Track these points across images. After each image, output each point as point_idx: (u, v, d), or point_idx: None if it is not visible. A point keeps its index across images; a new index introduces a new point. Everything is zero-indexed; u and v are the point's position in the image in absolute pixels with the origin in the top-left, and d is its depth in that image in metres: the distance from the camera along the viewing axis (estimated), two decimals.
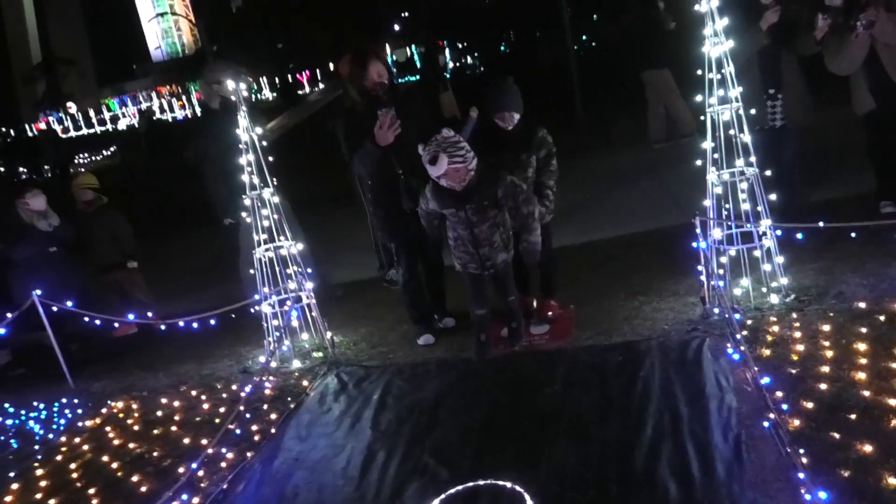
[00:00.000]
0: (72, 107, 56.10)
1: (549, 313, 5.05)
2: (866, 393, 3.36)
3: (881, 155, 5.67)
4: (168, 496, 3.72)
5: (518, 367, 4.50)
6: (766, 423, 3.24)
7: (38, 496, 4.18)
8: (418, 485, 3.43)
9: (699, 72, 4.51)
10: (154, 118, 36.54)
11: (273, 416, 4.51)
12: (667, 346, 4.27)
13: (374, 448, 3.86)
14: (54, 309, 5.77)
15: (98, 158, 33.25)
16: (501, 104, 4.57)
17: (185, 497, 3.75)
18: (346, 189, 7.24)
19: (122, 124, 50.50)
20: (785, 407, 3.36)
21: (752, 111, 5.10)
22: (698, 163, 4.73)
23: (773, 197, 4.65)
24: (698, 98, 4.61)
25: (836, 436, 3.09)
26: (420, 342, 5.15)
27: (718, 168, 4.61)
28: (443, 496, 3.29)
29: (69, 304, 5.84)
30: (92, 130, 50.98)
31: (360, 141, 4.66)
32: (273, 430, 4.31)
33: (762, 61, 5.43)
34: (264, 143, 5.28)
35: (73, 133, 50.55)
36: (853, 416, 3.20)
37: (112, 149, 33.94)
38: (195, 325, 5.53)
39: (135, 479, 4.12)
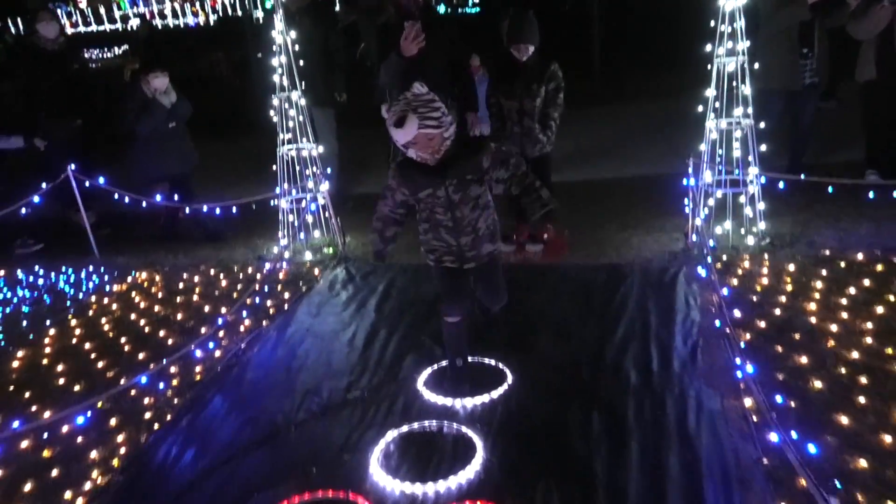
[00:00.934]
0: (81, 1, 55.09)
1: (545, 235, 5.49)
2: (812, 319, 3.84)
3: (872, 125, 6.05)
4: (192, 348, 4.21)
5: (512, 275, 4.95)
6: (721, 337, 3.71)
7: (74, 341, 4.69)
8: (415, 357, 3.94)
9: (711, 22, 4.84)
10: (154, 24, 35.95)
11: (286, 296, 5.00)
12: (647, 270, 4.75)
13: (378, 327, 4.36)
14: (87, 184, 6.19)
15: (109, 56, 33.00)
16: (518, 36, 4.91)
17: (208, 348, 4.25)
18: (371, 111, 7.56)
19: (131, 24, 49.68)
20: (739, 320, 3.84)
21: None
22: (700, 108, 5.09)
23: (762, 148, 5.03)
24: (707, 48, 4.94)
25: (779, 349, 3.58)
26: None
27: (717, 116, 4.98)
28: (435, 366, 3.79)
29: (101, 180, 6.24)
30: (102, 28, 50.27)
31: (388, 52, 5.04)
32: (286, 307, 4.81)
33: (800, 27, 5.76)
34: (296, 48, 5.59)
35: (81, 28, 49.83)
36: (797, 336, 3.69)
37: (125, 47, 33.65)
38: (218, 210, 5.97)
39: (161, 334, 4.63)
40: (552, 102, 4.99)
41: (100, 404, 3.73)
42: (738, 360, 3.28)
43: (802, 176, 4.84)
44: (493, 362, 3.77)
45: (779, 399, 3.12)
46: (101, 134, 7.87)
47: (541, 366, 3.70)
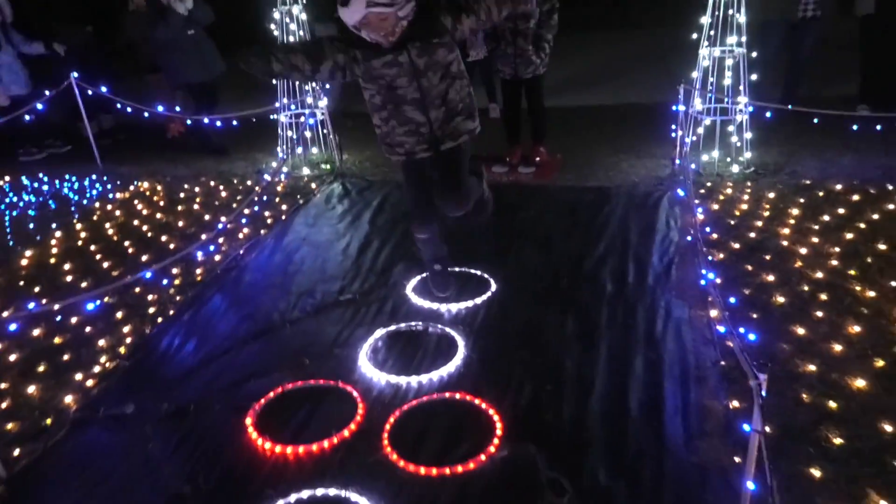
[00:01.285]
0: None
1: (537, 158, 5.63)
2: (784, 242, 4.03)
3: (868, 59, 6.09)
4: (193, 251, 4.41)
5: (500, 194, 5.12)
6: (694, 254, 3.91)
7: (80, 243, 4.89)
8: (405, 265, 4.15)
9: None
10: None
11: (284, 207, 5.18)
12: (632, 193, 4.92)
13: (371, 237, 4.56)
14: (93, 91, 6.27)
15: None
16: None
17: (208, 251, 4.46)
18: None
19: None
20: (714, 240, 4.03)
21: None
22: (694, 36, 5.15)
23: (754, 77, 5.12)
24: None
25: (749, 267, 3.79)
26: None
27: (711, 44, 5.05)
28: (424, 274, 4.00)
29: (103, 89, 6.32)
30: None
31: None
32: (283, 217, 5.00)
33: None
34: None
35: None
36: (767, 257, 3.89)
37: None
38: (219, 123, 6.08)
39: (163, 238, 4.83)
40: (546, 23, 5.04)
41: (107, 298, 3.95)
42: (704, 271, 3.47)
43: (789, 106, 4.95)
44: (479, 272, 3.97)
45: (733, 300, 3.33)
46: (116, 41, 7.87)
47: (523, 275, 3.92)
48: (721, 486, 2.38)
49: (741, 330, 3.02)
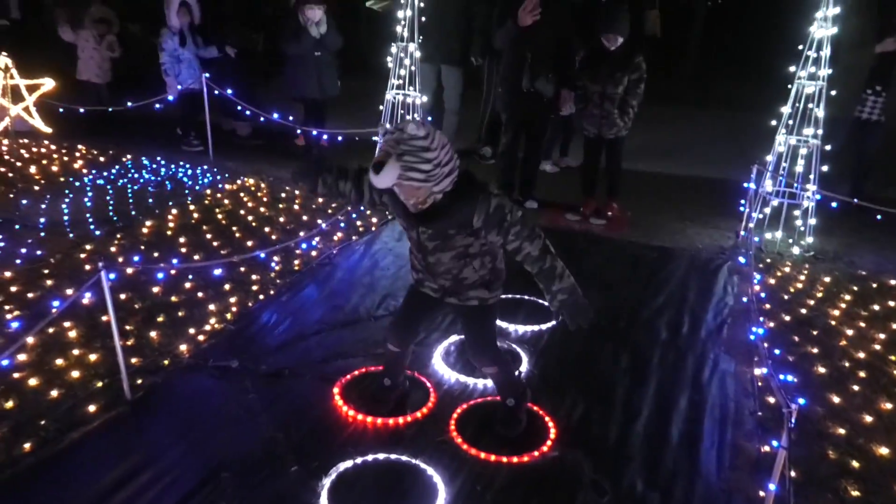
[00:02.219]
0: None
1: (609, 213, 6.04)
2: (832, 322, 4.33)
3: None
4: (294, 243, 4.95)
5: (572, 239, 5.57)
6: (747, 320, 4.24)
7: (193, 221, 5.49)
8: None
9: (799, 46, 5.27)
10: None
11: (374, 220, 5.70)
12: (695, 257, 5.28)
13: None
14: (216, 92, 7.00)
15: None
16: (609, 27, 5.43)
17: (305, 247, 4.99)
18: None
19: None
20: (767, 310, 4.36)
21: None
22: (773, 122, 5.54)
23: (824, 168, 5.46)
24: (791, 69, 5.37)
25: (796, 338, 4.10)
26: None
27: (788, 132, 5.43)
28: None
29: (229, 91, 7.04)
30: None
31: (506, 18, 5.61)
32: (373, 228, 5.52)
33: (879, 62, 6.10)
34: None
35: None
36: (814, 332, 4.19)
37: None
38: (325, 136, 6.72)
39: (266, 229, 5.41)
40: (633, 91, 5.50)
41: (218, 271, 4.50)
42: (754, 328, 3.80)
43: (855, 200, 5.27)
44: (545, 302, 4.37)
45: (791, 378, 3.66)
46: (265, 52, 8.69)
47: None
48: None
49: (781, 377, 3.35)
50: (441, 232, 2.61)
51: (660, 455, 3.03)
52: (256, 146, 7.93)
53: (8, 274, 4.37)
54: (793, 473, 2.89)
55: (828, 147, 5.46)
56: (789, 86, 5.43)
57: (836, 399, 3.50)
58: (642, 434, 3.17)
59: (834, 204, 5.50)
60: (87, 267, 4.53)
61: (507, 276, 2.97)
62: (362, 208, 3.14)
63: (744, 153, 7.42)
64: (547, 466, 2.94)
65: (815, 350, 3.97)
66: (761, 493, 2.75)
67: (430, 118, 6.87)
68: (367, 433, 3.11)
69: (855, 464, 3.02)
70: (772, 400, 3.39)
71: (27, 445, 2.91)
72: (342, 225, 5.52)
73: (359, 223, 5.63)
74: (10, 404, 3.16)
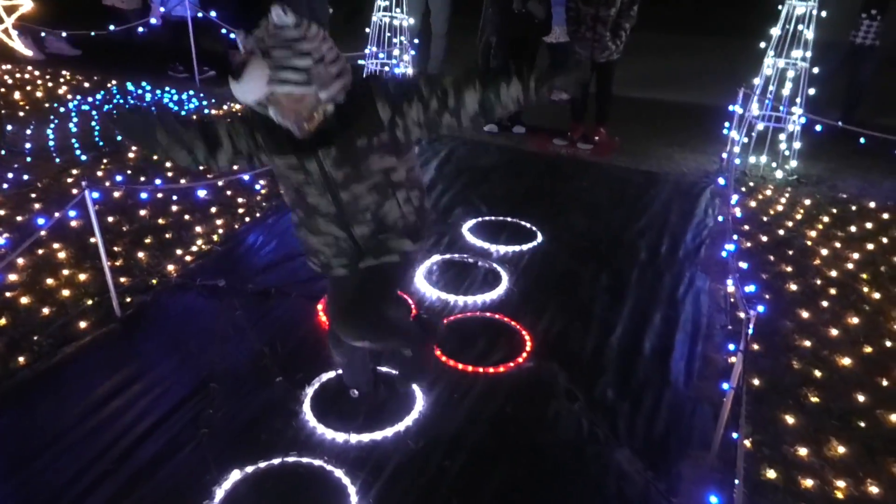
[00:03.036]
0: None
1: (596, 137, 6.05)
2: (808, 243, 4.42)
3: None
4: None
5: (558, 164, 5.60)
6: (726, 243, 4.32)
7: None
8: (465, 209, 4.65)
9: None
10: None
11: None
12: (679, 181, 5.33)
13: (436, 181, 5.07)
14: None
15: None
16: None
17: None
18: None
19: None
20: (745, 231, 4.44)
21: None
22: (762, 45, 5.50)
23: (811, 92, 5.44)
24: None
25: (771, 257, 4.20)
26: (486, 129, 6.24)
27: (776, 55, 5.39)
28: (479, 219, 4.49)
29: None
30: None
31: None
32: None
33: None
34: None
35: None
36: (790, 252, 4.29)
37: None
38: None
39: None
40: (626, 14, 5.43)
41: (202, 193, 4.53)
42: (729, 246, 3.86)
43: (839, 123, 5.28)
44: (528, 224, 4.45)
45: (752, 288, 3.76)
46: None
47: (568, 233, 4.39)
48: (708, 415, 2.85)
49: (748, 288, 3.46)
50: (348, 149, 1.95)
51: (632, 367, 3.15)
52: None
53: None
54: (756, 382, 3.04)
55: (815, 70, 5.43)
56: (779, 7, 5.36)
57: (805, 314, 3.62)
58: (616, 348, 3.29)
59: (818, 128, 5.51)
60: (74, 191, 4.55)
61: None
62: (222, 167, 2.22)
63: (737, 79, 7.36)
64: (523, 377, 3.06)
65: (790, 269, 4.07)
66: (725, 401, 2.89)
67: (416, 41, 6.77)
68: None
69: (818, 373, 3.15)
70: (742, 316, 3.50)
71: (22, 359, 3.02)
72: None
73: None
74: (3, 321, 3.25)
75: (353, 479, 2.44)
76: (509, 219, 4.50)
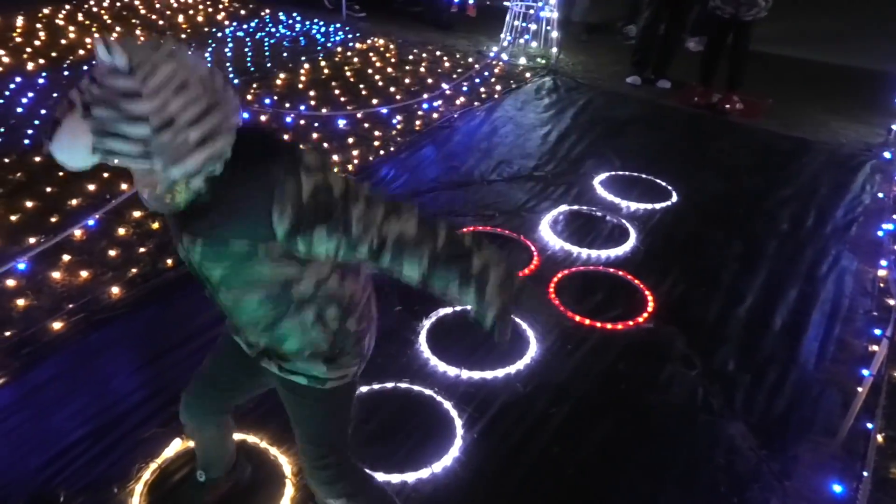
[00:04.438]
0: None
1: (727, 106, 5.55)
2: None
3: None
4: (417, 102, 5.02)
5: (700, 122, 5.31)
6: (883, 223, 3.97)
7: (323, 77, 5.68)
8: (596, 161, 4.52)
9: None
10: None
11: (497, 88, 5.66)
12: (835, 152, 4.92)
13: (570, 131, 4.96)
14: None
15: None
16: None
17: (426, 108, 5.06)
18: None
19: None
20: None
21: None
22: None
23: None
24: None
25: None
26: (628, 80, 5.98)
27: None
28: (612, 173, 4.37)
29: None
30: None
31: None
32: (496, 96, 5.49)
33: None
34: None
35: None
36: None
37: None
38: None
39: (391, 89, 5.50)
40: None
41: (342, 123, 4.67)
42: (887, 226, 3.57)
43: None
44: (663, 182, 4.28)
45: None
46: None
47: (703, 195, 4.18)
48: (836, 401, 2.68)
49: None
50: (222, 248, 1.33)
51: (757, 340, 3.01)
52: (413, 13, 7.78)
53: None
54: None
55: None
56: None
57: None
58: (743, 319, 3.14)
59: None
60: None
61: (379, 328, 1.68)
62: None
63: None
64: (640, 336, 2.99)
65: None
66: (859, 389, 2.70)
67: None
68: None
69: None
70: (892, 302, 3.23)
71: (169, 261, 3.28)
72: (465, 89, 5.52)
73: (482, 90, 5.60)
74: (156, 225, 3.54)
75: (460, 413, 2.51)
76: (643, 175, 4.35)
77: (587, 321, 3.05)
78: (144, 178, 1.29)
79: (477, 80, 5.71)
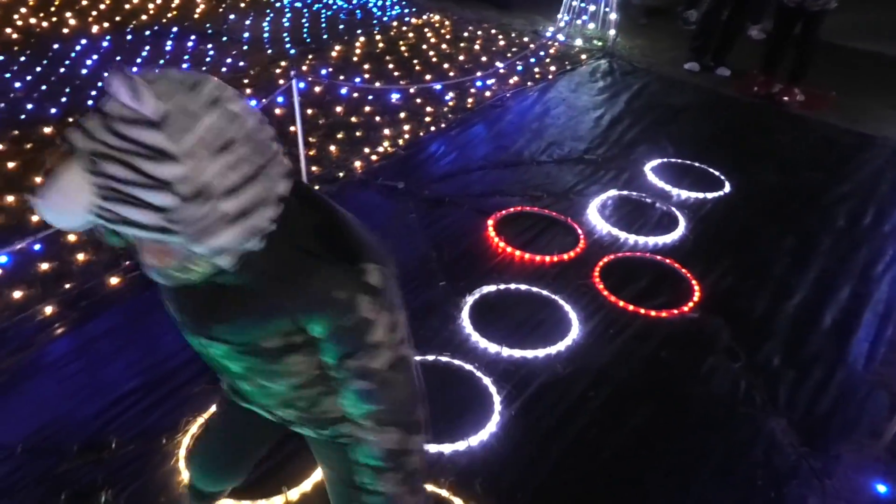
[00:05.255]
0: None
1: (787, 97, 5.37)
2: None
3: None
4: (471, 79, 5.01)
5: (758, 113, 5.18)
6: None
7: (378, 51, 5.70)
8: (648, 147, 4.46)
9: None
10: None
11: (552, 68, 5.60)
12: None
13: (623, 115, 4.89)
14: None
15: None
16: None
17: (480, 86, 5.04)
18: None
19: None
20: None
21: None
22: None
23: None
24: None
25: None
26: (686, 67, 5.85)
27: None
28: (664, 160, 4.30)
29: None
30: None
31: None
32: (550, 76, 5.44)
33: None
34: None
35: None
36: None
37: None
38: None
39: (445, 66, 5.50)
40: None
41: (395, 97, 4.69)
42: None
43: None
44: (717, 172, 4.20)
45: None
46: None
47: (757, 187, 4.09)
48: (884, 403, 2.62)
49: None
50: (245, 342, 1.14)
51: (805, 337, 2.95)
52: None
53: None
54: None
55: None
56: None
57: None
58: (791, 314, 3.08)
59: None
60: (281, 81, 4.89)
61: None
62: None
63: None
64: (683, 325, 2.97)
65: None
66: None
67: None
68: (513, 265, 3.27)
69: None
70: None
71: None
72: (519, 69, 5.48)
73: (536, 70, 5.55)
74: None
75: (500, 389, 2.53)
76: (696, 164, 4.27)
77: (631, 307, 3.03)
78: (153, 246, 1.01)
79: (531, 60, 5.66)
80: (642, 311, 3.01)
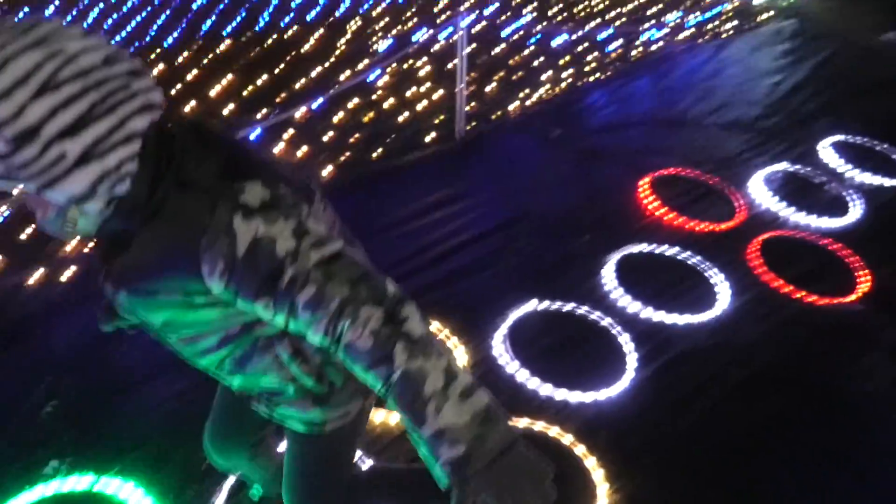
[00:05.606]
0: None
1: None
2: None
3: None
4: (636, 33, 4.78)
5: None
6: None
7: None
8: (830, 121, 4.06)
9: None
10: None
11: (728, 24, 5.23)
12: None
13: (806, 84, 4.51)
14: None
15: None
16: None
17: (647, 38, 4.81)
18: None
19: None
20: None
21: None
22: None
23: None
24: None
25: None
26: (885, 36, 5.28)
27: None
28: (845, 137, 3.91)
29: None
30: None
31: None
32: (726, 34, 5.08)
33: None
34: None
35: None
36: None
37: None
38: None
39: (611, 14, 5.27)
40: None
41: (557, 41, 4.57)
42: None
43: None
44: None
45: None
46: None
47: None
48: None
49: None
50: (145, 296, 1.08)
51: None
52: None
53: (377, 11, 4.90)
54: None
55: None
56: None
57: None
58: None
59: None
60: (446, 14, 4.88)
61: None
62: None
63: None
64: (844, 317, 2.75)
65: None
66: None
67: None
68: (662, 228, 3.14)
69: None
70: None
71: (374, 154, 3.45)
72: (692, 22, 5.16)
73: (711, 25, 5.20)
74: (368, 117, 3.72)
75: (637, 348, 2.47)
76: (882, 145, 3.87)
77: (787, 289, 2.84)
78: (32, 198, 0.98)
79: (708, 15, 5.30)
80: (800, 295, 2.81)
